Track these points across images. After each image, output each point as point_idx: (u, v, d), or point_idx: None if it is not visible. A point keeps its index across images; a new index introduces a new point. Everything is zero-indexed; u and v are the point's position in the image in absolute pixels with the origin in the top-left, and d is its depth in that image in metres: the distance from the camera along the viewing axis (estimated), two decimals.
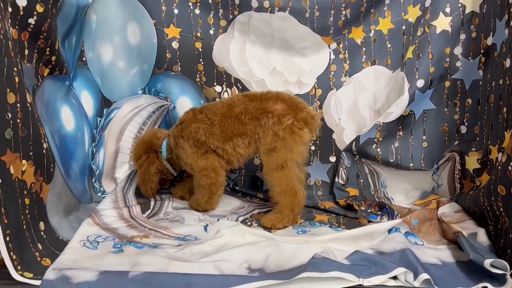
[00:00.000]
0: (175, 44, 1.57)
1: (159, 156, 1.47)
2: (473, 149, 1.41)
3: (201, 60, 1.60)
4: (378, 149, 1.57)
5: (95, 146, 1.55)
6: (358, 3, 1.54)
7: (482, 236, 1.16)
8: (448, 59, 1.47)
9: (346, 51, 1.62)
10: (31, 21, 1.09)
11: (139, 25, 1.56)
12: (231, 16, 1.58)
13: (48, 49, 1.19)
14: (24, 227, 1.01)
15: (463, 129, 1.49)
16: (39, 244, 1.05)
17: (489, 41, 1.35)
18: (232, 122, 1.32)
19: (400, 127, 1.55)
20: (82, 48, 1.51)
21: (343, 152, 1.62)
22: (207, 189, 1.40)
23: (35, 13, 1.10)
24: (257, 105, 1.32)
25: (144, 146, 1.48)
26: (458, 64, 1.46)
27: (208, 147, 1.36)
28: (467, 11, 1.43)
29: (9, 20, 1.02)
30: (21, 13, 1.06)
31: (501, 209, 1.11)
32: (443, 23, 1.45)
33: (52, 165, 1.16)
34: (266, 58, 1.62)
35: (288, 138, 1.28)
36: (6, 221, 0.93)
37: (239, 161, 1.40)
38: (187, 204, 1.47)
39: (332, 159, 1.65)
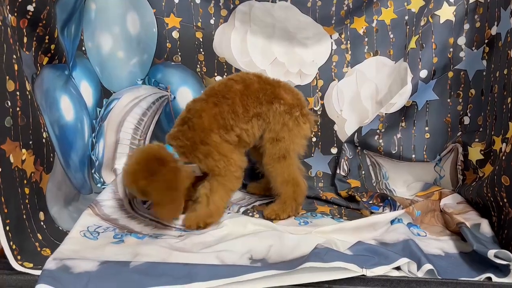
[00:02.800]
0: (175, 34, 1.56)
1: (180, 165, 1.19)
2: (476, 140, 1.40)
3: (201, 50, 1.58)
4: (380, 141, 1.56)
5: (95, 137, 1.54)
6: None
7: (485, 227, 1.15)
8: (451, 49, 1.45)
9: (348, 42, 1.60)
10: (30, 8, 1.07)
11: (139, 15, 1.54)
12: (232, 6, 1.57)
13: (47, 37, 1.17)
14: (24, 216, 1.00)
15: (466, 120, 1.48)
16: (39, 234, 1.04)
17: (493, 30, 1.34)
18: (252, 100, 1.26)
19: (403, 118, 1.54)
20: (82, 37, 1.49)
21: (345, 144, 1.61)
22: (230, 193, 1.29)
23: (34, 0, 1.08)
24: (271, 88, 1.29)
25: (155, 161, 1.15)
26: (462, 54, 1.45)
27: (235, 132, 1.26)
28: (471, 0, 1.41)
29: (8, 7, 1.00)
30: None
31: (505, 200, 1.10)
32: (446, 12, 1.43)
33: (51, 155, 1.15)
34: (267, 49, 1.61)
35: (294, 129, 1.28)
36: (6, 211, 0.92)
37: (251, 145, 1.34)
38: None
39: (334, 150, 1.64)
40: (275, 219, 1.28)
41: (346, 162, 1.60)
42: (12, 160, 0.94)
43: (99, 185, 1.51)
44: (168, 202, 1.14)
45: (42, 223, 1.08)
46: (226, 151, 1.24)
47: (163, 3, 1.53)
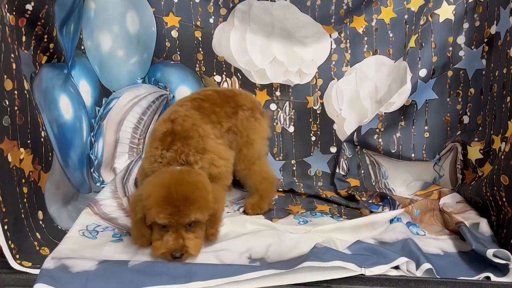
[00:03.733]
0: (174, 33, 1.56)
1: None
2: (476, 139, 1.40)
3: (200, 49, 1.58)
4: (380, 140, 1.56)
5: (94, 136, 1.54)
6: None
7: (484, 226, 1.16)
8: (451, 48, 1.45)
9: (348, 41, 1.60)
10: (29, 7, 1.07)
11: (138, 14, 1.54)
12: (231, 5, 1.56)
13: (46, 36, 1.17)
14: (23, 215, 1.00)
15: (466, 119, 1.47)
16: (37, 233, 1.04)
17: (493, 30, 1.34)
18: (223, 116, 1.28)
19: (402, 117, 1.54)
20: (81, 36, 1.49)
21: (344, 143, 1.61)
22: (226, 188, 1.27)
23: None
24: (232, 100, 1.31)
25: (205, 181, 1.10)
26: (461, 53, 1.44)
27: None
28: None
29: (6, 6, 1.01)
30: None
31: (504, 199, 1.10)
32: (446, 11, 1.43)
33: (50, 154, 1.15)
34: (266, 48, 1.60)
35: (260, 130, 1.33)
36: (4, 210, 0.92)
37: None
38: None
39: (333, 149, 1.64)
40: (258, 213, 1.31)
41: (346, 161, 1.60)
42: (10, 159, 0.94)
43: (98, 184, 1.51)
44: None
45: (40, 222, 1.08)
46: (224, 154, 1.23)
47: (162, 2, 1.53)
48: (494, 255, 0.98)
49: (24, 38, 1.09)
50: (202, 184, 1.05)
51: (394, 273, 0.96)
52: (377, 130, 1.54)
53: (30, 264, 0.93)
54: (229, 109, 1.29)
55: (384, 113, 1.50)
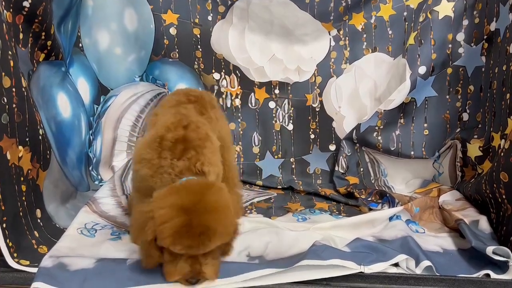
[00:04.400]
0: (172, 31, 1.55)
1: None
2: (475, 136, 1.40)
3: (199, 46, 1.58)
4: (379, 137, 1.55)
5: (92, 134, 1.53)
6: None
7: (484, 224, 1.16)
8: (450, 46, 1.44)
9: (347, 38, 1.59)
10: (26, 4, 1.07)
11: (136, 11, 1.54)
12: (229, 2, 1.56)
13: (43, 33, 1.17)
14: (21, 214, 0.99)
15: (465, 117, 1.47)
16: (35, 232, 1.04)
17: (492, 26, 1.33)
18: (214, 126, 1.13)
19: (401, 115, 1.53)
20: (79, 33, 1.49)
21: (343, 141, 1.61)
22: None
23: None
24: (207, 103, 1.18)
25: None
26: (461, 50, 1.44)
27: None
28: None
29: (3, 3, 1.00)
30: None
31: (504, 196, 1.10)
32: (445, 8, 1.42)
33: (48, 152, 1.14)
34: (265, 45, 1.59)
35: (228, 129, 1.26)
36: (3, 208, 0.91)
37: None
38: None
39: (332, 147, 1.63)
40: None
41: (345, 159, 1.59)
42: (9, 157, 0.94)
43: (96, 182, 1.51)
44: None
45: (38, 220, 1.07)
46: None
47: (161, 0, 1.53)
48: (494, 253, 0.97)
49: (21, 36, 1.09)
50: (225, 203, 0.87)
51: (394, 270, 0.96)
52: (376, 128, 1.54)
53: (28, 262, 0.93)
54: (212, 114, 1.17)
55: (383, 110, 1.50)
